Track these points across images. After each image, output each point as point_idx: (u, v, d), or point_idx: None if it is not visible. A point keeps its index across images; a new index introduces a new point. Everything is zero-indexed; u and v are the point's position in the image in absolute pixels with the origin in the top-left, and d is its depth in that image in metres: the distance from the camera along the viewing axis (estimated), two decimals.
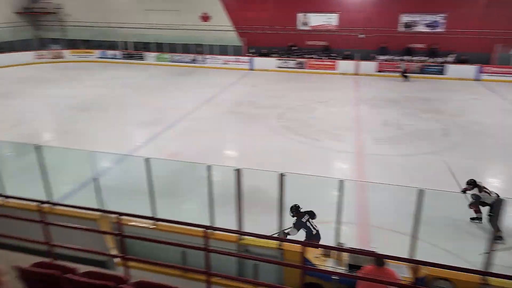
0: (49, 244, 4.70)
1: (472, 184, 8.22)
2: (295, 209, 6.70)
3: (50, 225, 4.78)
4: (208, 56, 27.21)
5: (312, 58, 25.72)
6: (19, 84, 21.61)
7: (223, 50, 27.09)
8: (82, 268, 3.88)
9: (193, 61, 27.47)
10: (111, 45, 29.77)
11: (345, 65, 25.13)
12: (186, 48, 27.96)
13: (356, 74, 24.88)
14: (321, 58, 25.64)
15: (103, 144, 12.34)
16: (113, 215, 5.17)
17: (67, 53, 29.66)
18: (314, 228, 6.56)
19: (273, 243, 5.93)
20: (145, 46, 28.97)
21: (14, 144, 11.63)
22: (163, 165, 8.72)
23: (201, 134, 13.61)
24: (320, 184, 8.56)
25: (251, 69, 26.37)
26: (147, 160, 6.28)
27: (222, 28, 27.27)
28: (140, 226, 6.64)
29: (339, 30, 25.67)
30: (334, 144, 12.59)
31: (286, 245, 5.81)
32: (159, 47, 28.76)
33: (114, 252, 6.42)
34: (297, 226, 6.53)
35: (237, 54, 27.02)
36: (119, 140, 12.97)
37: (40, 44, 30.67)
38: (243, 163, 10.49)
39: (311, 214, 6.67)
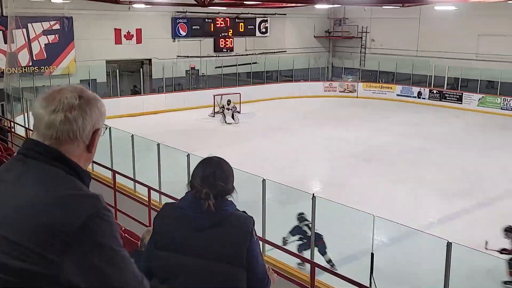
0: None
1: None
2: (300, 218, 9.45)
3: None
4: None
5: None
6: (303, 120, 23.09)
7: None
8: None
9: None
10: (418, 81, 28.30)
11: None
12: None
13: None
14: None
15: (382, 208, 11.90)
16: None
17: (360, 87, 29.49)
18: (309, 229, 8.85)
19: None
20: (467, 85, 26.34)
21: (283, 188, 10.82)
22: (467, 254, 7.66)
23: None
24: None
25: None
26: (448, 245, 6.12)
27: None
28: None
29: None
30: None
31: None
32: (488, 87, 25.49)
33: None
34: (294, 232, 9.39)
35: None
36: (405, 206, 12.68)
37: (334, 73, 30.99)
38: None
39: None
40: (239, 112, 22.99)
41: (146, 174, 10.33)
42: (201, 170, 2.25)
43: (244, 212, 2.28)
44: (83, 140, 1.50)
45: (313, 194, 7.67)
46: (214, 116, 23.01)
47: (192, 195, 2.22)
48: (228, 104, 22.56)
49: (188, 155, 9.02)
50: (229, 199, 2.25)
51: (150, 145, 10.62)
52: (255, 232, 2.21)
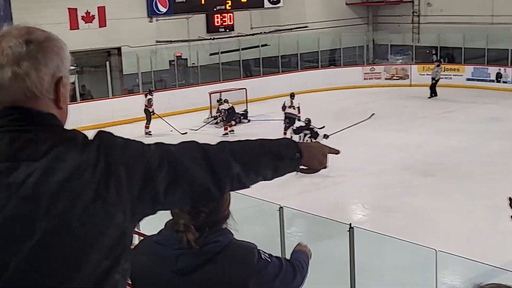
0: None
1: None
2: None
3: None
4: None
5: None
6: (335, 120, 22.83)
7: None
8: None
9: None
10: (496, 58, 29.06)
11: None
12: None
13: None
14: None
15: (449, 238, 12.30)
16: None
17: (414, 70, 30.02)
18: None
19: None
20: None
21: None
22: None
23: None
24: None
25: None
26: None
27: None
28: None
29: None
30: None
31: None
32: None
33: None
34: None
35: None
36: (481, 235, 12.86)
37: (376, 54, 31.27)
38: None
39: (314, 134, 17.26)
40: (245, 117, 23.35)
41: None
42: None
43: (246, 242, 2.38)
44: (45, 96, 1.63)
45: (350, 224, 7.87)
46: (211, 123, 23.32)
47: (170, 226, 2.30)
48: (227, 107, 22.79)
49: None
50: (223, 226, 2.33)
51: None
52: (265, 255, 2.34)
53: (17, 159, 1.56)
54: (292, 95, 21.14)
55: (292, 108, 20.86)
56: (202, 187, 1.81)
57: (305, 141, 18.91)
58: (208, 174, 1.81)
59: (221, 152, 1.87)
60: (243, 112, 23.69)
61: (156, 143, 1.80)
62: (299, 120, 19.93)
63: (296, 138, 17.72)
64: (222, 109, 22.72)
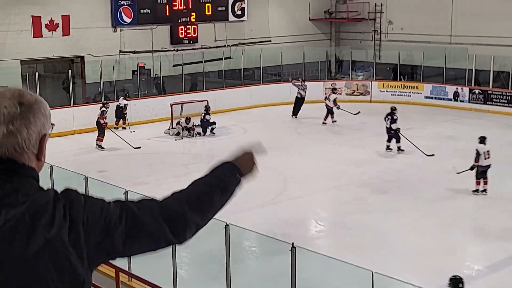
0: None
1: None
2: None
3: None
4: None
5: None
6: (295, 135, 23.79)
7: None
8: None
9: None
10: (454, 77, 29.25)
11: None
12: None
13: None
14: None
15: (402, 256, 12.54)
16: None
17: (375, 87, 30.14)
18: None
19: None
20: None
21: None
22: None
23: None
24: None
25: None
26: None
27: None
28: None
29: None
30: None
31: None
32: None
33: None
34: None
35: None
36: (433, 253, 12.99)
37: (338, 70, 31.48)
38: None
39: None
40: (210, 129, 23.49)
41: None
42: None
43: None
44: (31, 150, 1.91)
45: (292, 243, 8.01)
46: (171, 134, 23.37)
47: None
48: (187, 123, 23.06)
49: (125, 192, 9.36)
50: None
51: (75, 180, 10.93)
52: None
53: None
54: (333, 90, 25.59)
55: (327, 100, 25.05)
56: (162, 239, 2.05)
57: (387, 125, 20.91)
58: (167, 228, 2.03)
59: (177, 206, 2.09)
60: (211, 122, 23.73)
61: (116, 201, 2.02)
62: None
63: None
64: (190, 125, 23.05)
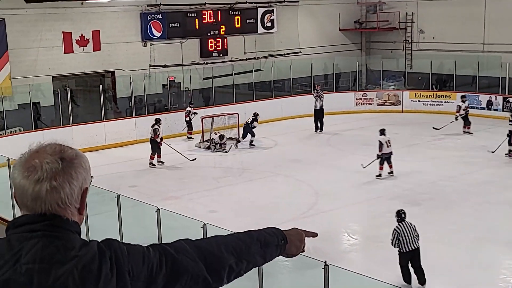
0: None
1: None
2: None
3: None
4: None
5: None
6: (326, 146, 23.75)
7: None
8: None
9: None
10: (487, 85, 29.21)
11: None
12: None
13: None
14: None
15: (437, 270, 12.38)
16: None
17: (406, 96, 30.08)
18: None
19: None
20: None
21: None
22: None
23: None
24: None
25: None
26: None
27: None
28: None
29: None
30: None
31: None
32: None
33: None
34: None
35: None
36: (467, 266, 13.03)
37: (369, 80, 31.39)
38: None
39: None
40: (237, 143, 23.49)
41: (103, 233, 10.66)
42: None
43: None
44: (74, 205, 1.93)
45: (325, 262, 7.89)
46: (203, 148, 23.42)
47: None
48: (221, 140, 23.06)
49: (157, 211, 9.35)
50: None
51: (107, 196, 10.97)
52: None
53: (49, 262, 1.82)
54: (462, 96, 25.11)
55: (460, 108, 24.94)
56: (200, 277, 2.10)
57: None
58: (203, 266, 2.10)
59: (213, 247, 2.16)
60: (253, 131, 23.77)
61: (153, 245, 2.07)
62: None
63: None
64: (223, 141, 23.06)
